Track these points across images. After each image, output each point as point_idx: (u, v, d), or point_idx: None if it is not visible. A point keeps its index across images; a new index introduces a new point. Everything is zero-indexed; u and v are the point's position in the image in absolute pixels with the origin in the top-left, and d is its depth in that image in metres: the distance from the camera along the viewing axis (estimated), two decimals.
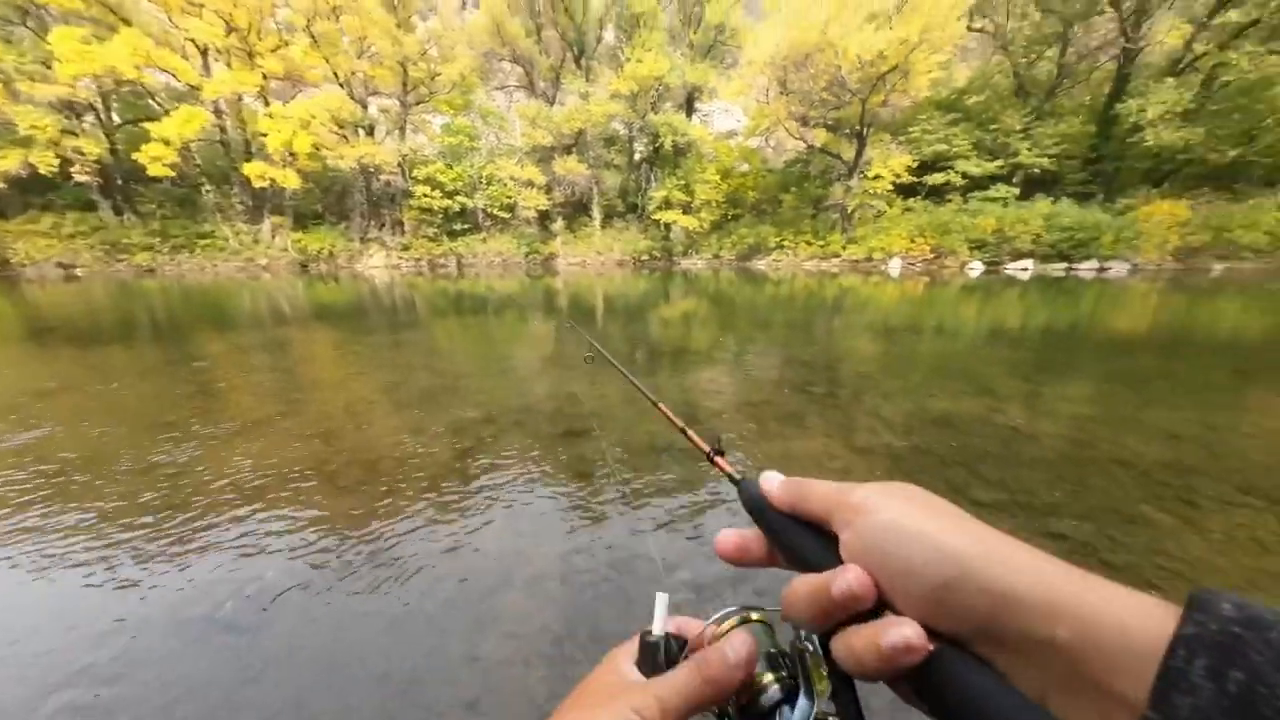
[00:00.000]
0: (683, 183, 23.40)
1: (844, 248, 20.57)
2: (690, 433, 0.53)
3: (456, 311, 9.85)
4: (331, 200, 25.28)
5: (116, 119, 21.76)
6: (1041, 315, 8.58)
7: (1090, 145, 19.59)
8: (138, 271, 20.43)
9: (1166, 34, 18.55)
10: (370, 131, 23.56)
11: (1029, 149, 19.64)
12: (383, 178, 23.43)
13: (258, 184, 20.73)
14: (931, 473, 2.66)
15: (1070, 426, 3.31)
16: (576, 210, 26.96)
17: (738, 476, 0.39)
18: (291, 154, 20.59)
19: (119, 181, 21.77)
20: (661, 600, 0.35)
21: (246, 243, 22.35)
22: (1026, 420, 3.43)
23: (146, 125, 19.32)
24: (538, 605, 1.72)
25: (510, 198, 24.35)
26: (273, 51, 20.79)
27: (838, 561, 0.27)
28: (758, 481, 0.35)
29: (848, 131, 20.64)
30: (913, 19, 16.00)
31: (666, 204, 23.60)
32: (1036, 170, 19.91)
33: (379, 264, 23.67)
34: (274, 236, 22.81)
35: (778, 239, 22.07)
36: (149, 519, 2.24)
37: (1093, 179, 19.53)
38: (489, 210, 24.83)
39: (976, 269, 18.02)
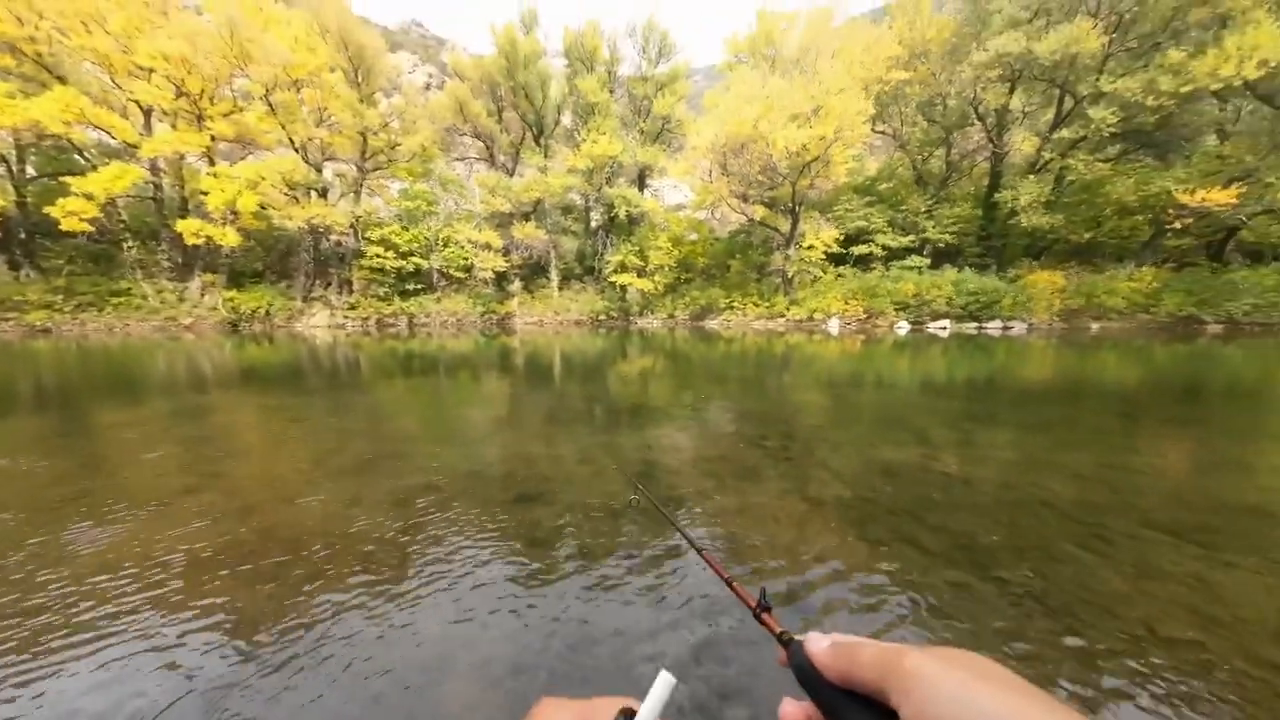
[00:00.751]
0: (637, 248, 24.82)
1: (787, 309, 22.22)
2: (735, 585, 0.53)
3: (404, 372, 9.43)
4: (274, 259, 24.33)
5: (32, 171, 20.35)
6: (963, 369, 9.52)
7: (980, 225, 23.13)
8: (28, 332, 18.12)
9: (1022, 143, 23.02)
10: (324, 194, 23.47)
11: (933, 227, 22.87)
12: (333, 238, 23.06)
13: (191, 241, 19.68)
14: (881, 521, 2.75)
15: (997, 470, 3.59)
16: (534, 272, 27.58)
17: (787, 637, 0.36)
18: (234, 213, 19.95)
19: (21, 235, 19.88)
20: (665, 683, 0.30)
21: (170, 300, 20.68)
22: (960, 467, 3.69)
23: (67, 179, 18.17)
24: (483, 696, 1.53)
25: (467, 259, 24.61)
26: (225, 116, 20.77)
27: None
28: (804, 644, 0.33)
29: (783, 208, 23.15)
30: (827, 120, 18.86)
31: (622, 267, 24.75)
32: (942, 244, 23.06)
33: (321, 323, 22.54)
34: (203, 295, 21.32)
35: (727, 300, 23.52)
36: (9, 624, 1.83)
37: (986, 253, 22.84)
38: (445, 271, 24.85)
39: (904, 328, 19.94)
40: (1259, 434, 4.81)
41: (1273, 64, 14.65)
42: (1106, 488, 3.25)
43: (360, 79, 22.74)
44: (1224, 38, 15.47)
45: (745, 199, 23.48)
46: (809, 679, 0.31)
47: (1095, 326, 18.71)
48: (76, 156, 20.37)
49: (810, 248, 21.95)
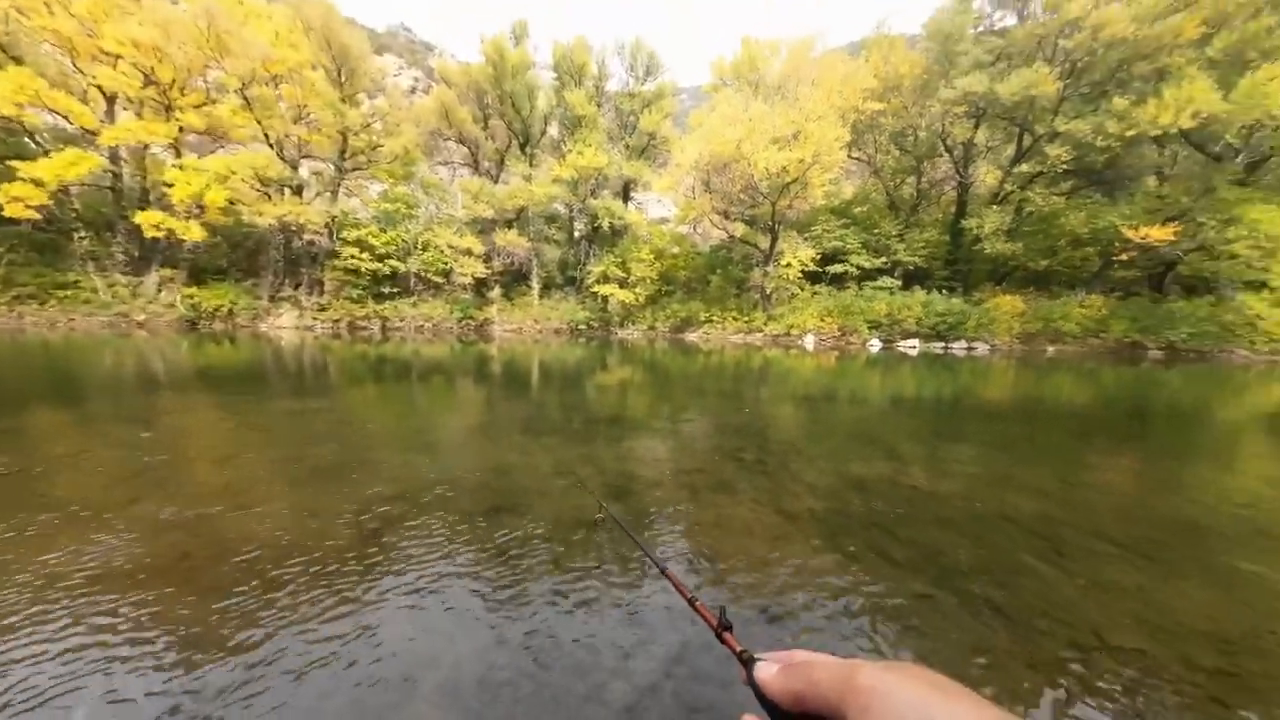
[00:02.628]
0: (619, 260, 24.95)
1: (765, 324, 22.65)
2: (698, 605, 0.53)
3: (375, 377, 9.14)
4: (240, 256, 23.37)
5: None
6: (930, 386, 9.87)
7: (947, 250, 24.26)
8: None
9: (985, 175, 24.42)
10: (298, 191, 22.78)
11: (904, 250, 23.85)
12: (306, 236, 22.33)
13: (151, 234, 18.73)
14: (853, 534, 2.80)
15: (963, 485, 3.72)
16: (515, 279, 27.33)
17: (747, 656, 0.36)
18: (200, 206, 19.13)
19: None
20: None
21: (122, 295, 19.53)
22: (928, 481, 3.81)
23: (15, 163, 17.09)
24: (448, 718, 1.47)
25: (446, 264, 24.21)
26: (196, 107, 20.04)
27: None
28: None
29: (762, 226, 23.75)
30: (806, 145, 19.58)
31: (604, 278, 24.80)
32: (911, 266, 24.05)
33: (288, 324, 21.67)
34: (160, 290, 20.25)
35: (707, 314, 23.82)
36: None
37: (953, 276, 23.94)
38: (423, 275, 24.37)
39: (876, 345, 20.59)
40: (1195, 454, 5.15)
41: (1204, 115, 16.07)
42: (1063, 503, 3.41)
43: (343, 78, 22.35)
44: (1162, 90, 16.90)
45: (727, 216, 24.00)
46: (767, 700, 0.31)
47: (1051, 349, 19.76)
48: (27, 140, 19.21)
49: (788, 265, 22.53)
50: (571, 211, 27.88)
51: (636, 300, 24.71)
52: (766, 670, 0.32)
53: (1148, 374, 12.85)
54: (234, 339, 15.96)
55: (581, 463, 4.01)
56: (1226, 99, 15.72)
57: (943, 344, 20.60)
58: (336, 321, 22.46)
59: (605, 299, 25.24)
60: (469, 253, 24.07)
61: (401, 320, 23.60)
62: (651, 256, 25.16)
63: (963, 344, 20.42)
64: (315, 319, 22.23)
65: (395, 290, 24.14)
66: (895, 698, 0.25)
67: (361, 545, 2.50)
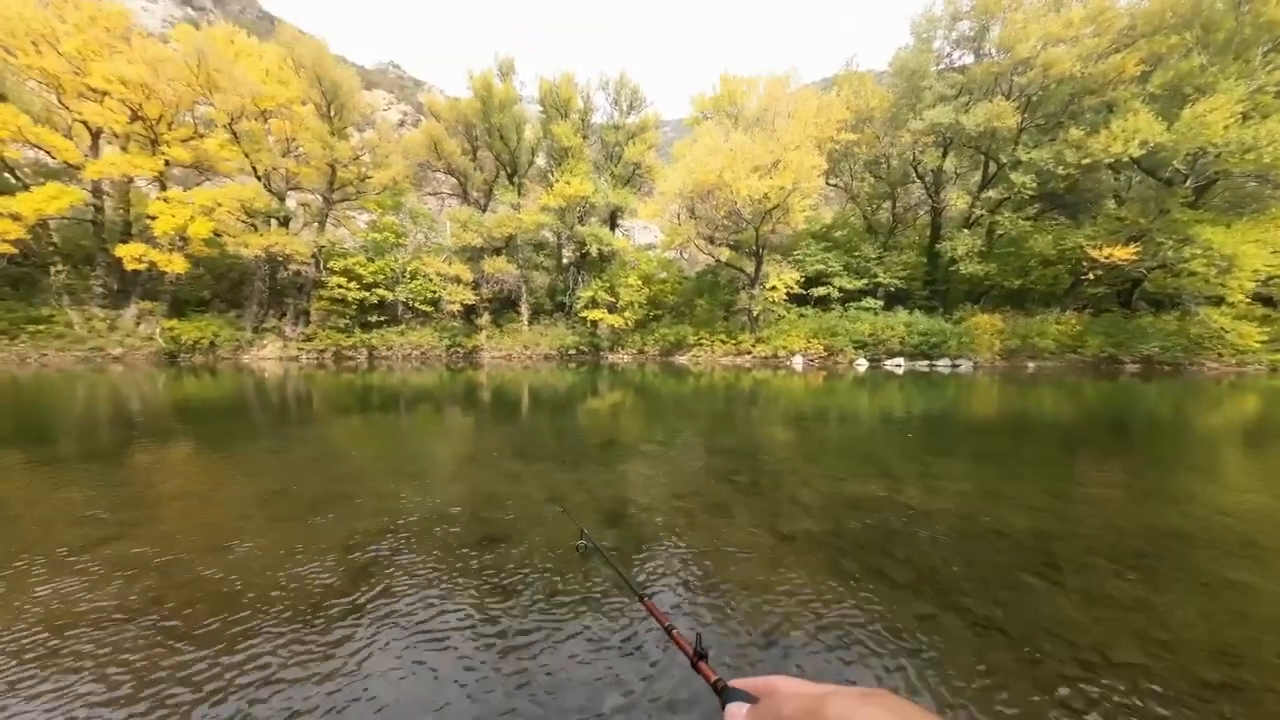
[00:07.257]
0: (608, 285, 25.24)
1: (754, 346, 22.91)
2: (675, 632, 0.54)
3: (361, 407, 8.96)
4: (225, 287, 23.12)
5: None
6: (918, 403, 10.01)
7: (925, 271, 25.08)
8: None
9: (956, 200, 25.54)
10: (285, 222, 22.80)
11: (884, 272, 24.59)
12: (292, 267, 22.23)
13: (131, 266, 18.48)
14: (851, 555, 2.78)
15: (954, 502, 3.74)
16: (504, 306, 27.41)
17: (721, 685, 0.38)
18: (183, 238, 19.00)
19: None
20: None
21: (99, 329, 19.04)
22: (920, 499, 3.82)
23: None
24: None
25: (434, 292, 24.24)
26: (183, 141, 20.17)
27: None
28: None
29: (747, 250, 24.36)
30: (786, 173, 20.36)
31: (593, 303, 25.00)
32: (892, 288, 24.75)
33: (272, 355, 21.28)
34: (139, 323, 19.80)
35: (696, 337, 24.05)
36: None
37: (932, 296, 24.66)
38: (410, 303, 24.33)
39: (863, 364, 20.90)
40: (1176, 464, 5.27)
41: (1151, 144, 17.20)
42: (1053, 516, 3.44)
43: (333, 113, 22.79)
44: (1111, 121, 18.11)
45: (712, 241, 24.59)
46: None
47: (1032, 365, 20.28)
48: (6, 175, 19.03)
49: (773, 288, 23.02)
50: (559, 239, 28.30)
51: (626, 324, 24.87)
52: (737, 712, 0.33)
53: (1126, 387, 13.23)
54: (214, 371, 15.57)
55: (574, 489, 3.95)
56: (1170, 129, 16.87)
57: (928, 362, 21.01)
58: (322, 352, 22.13)
59: (594, 324, 25.37)
60: (457, 280, 24.16)
61: (389, 349, 23.36)
62: (640, 281, 25.51)
63: (946, 361, 20.85)
64: (300, 349, 21.88)
65: (383, 319, 24.00)
66: None
67: (347, 583, 2.40)
